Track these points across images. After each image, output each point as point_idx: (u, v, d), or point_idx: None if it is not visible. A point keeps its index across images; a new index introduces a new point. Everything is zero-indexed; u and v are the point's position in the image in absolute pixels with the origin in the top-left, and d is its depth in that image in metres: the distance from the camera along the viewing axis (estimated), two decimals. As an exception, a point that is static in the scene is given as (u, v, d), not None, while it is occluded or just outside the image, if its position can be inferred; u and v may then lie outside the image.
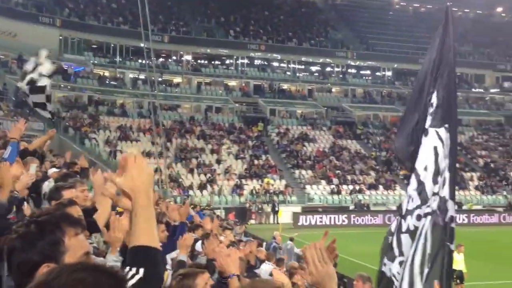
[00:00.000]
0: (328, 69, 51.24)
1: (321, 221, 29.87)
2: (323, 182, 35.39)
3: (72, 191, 4.14)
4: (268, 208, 31.30)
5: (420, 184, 3.77)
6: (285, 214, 29.52)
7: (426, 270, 3.52)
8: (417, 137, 3.99)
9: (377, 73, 52.41)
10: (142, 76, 42.02)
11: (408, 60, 51.86)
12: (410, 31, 54.95)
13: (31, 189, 4.88)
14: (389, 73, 52.27)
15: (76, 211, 2.95)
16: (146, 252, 1.61)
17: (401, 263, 3.71)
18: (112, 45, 44.08)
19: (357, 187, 35.16)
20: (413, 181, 3.85)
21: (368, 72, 52.63)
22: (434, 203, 3.68)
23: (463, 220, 30.92)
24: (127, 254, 1.67)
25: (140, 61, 42.83)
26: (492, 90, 53.69)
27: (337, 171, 36.61)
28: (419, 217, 3.71)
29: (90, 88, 40.08)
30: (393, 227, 3.92)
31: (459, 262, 14.88)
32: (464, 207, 33.83)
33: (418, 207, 3.74)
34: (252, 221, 29.75)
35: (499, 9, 57.91)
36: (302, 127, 42.02)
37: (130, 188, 1.64)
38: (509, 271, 18.16)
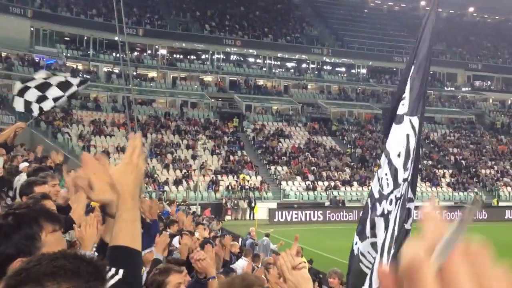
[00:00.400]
0: (304, 65, 51.42)
1: (296, 217, 30.03)
2: (299, 178, 35.53)
3: (45, 186, 4.04)
4: (244, 204, 31.28)
5: (394, 170, 3.86)
6: (261, 210, 29.54)
7: (392, 251, 3.59)
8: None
9: (352, 70, 52.87)
10: (116, 70, 41.39)
11: (383, 58, 52.57)
12: (385, 29, 55.62)
13: (2, 184, 4.71)
14: (363, 71, 52.79)
15: (49, 205, 2.85)
16: (126, 253, 1.53)
17: (373, 244, 3.85)
18: (86, 37, 43.26)
19: (332, 184, 35.42)
20: (385, 165, 3.93)
21: (343, 69, 53.06)
22: (403, 189, 3.79)
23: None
24: (107, 252, 1.57)
25: (114, 54, 42.16)
26: (463, 89, 54.80)
27: (313, 168, 36.81)
28: (391, 202, 3.83)
29: (62, 81, 39.20)
30: (365, 209, 4.05)
31: None
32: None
33: (392, 192, 3.84)
34: (228, 217, 29.68)
35: (471, 9, 59.09)
36: (278, 123, 42.09)
37: (121, 184, 1.55)
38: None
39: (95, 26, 42.05)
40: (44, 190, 3.84)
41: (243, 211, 31.22)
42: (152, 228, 5.72)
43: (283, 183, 34.64)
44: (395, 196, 3.83)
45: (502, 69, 55.57)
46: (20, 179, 4.89)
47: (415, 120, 3.91)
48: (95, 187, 1.52)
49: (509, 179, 41.18)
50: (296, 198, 33.63)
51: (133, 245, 1.54)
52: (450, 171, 40.63)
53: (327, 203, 33.25)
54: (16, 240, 1.60)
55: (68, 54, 42.14)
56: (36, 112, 7.19)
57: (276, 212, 30.13)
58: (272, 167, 36.21)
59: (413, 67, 4.03)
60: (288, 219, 29.81)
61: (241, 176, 33.54)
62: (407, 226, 3.76)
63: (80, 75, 41.50)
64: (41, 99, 7.06)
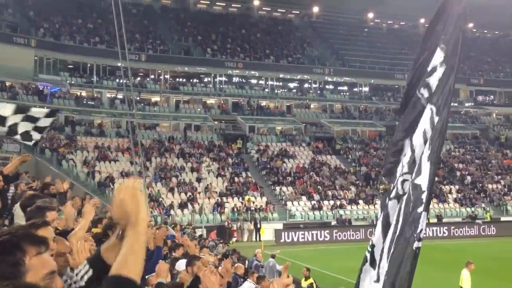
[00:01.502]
0: (306, 85, 51.70)
1: (303, 238, 29.79)
2: (304, 198, 35.36)
3: (54, 213, 3.99)
4: (250, 226, 31.09)
5: (413, 153, 3.68)
6: (267, 231, 29.38)
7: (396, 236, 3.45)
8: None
9: (354, 89, 53.08)
10: (120, 96, 41.72)
11: (384, 76, 52.82)
12: (385, 48, 56.00)
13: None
14: (366, 89, 52.98)
15: (48, 233, 2.83)
16: (125, 285, 1.55)
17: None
18: (89, 64, 43.76)
19: (338, 203, 35.21)
20: (408, 150, 3.74)
21: (345, 88, 53.29)
22: (406, 186, 3.60)
23: (444, 233, 31.19)
24: (104, 280, 1.59)
25: (117, 80, 42.55)
26: (467, 104, 54.82)
27: (318, 187, 36.65)
28: (403, 182, 3.67)
29: (66, 108, 39.54)
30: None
31: (465, 280, 14.71)
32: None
33: (405, 174, 3.67)
34: (234, 239, 29.48)
35: (471, 25, 59.48)
36: (282, 144, 42.10)
37: (121, 214, 1.60)
38: (489, 282, 18.29)
39: (98, 53, 42.59)
40: (53, 217, 3.79)
41: (250, 232, 31.02)
42: (154, 254, 5.71)
43: (289, 203, 34.47)
44: (404, 179, 3.64)
45: (504, 83, 55.66)
46: (17, 208, 4.85)
47: (429, 111, 3.65)
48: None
49: (517, 193, 40.80)
50: (302, 218, 33.41)
51: (133, 275, 1.56)
52: (457, 187, 40.35)
53: (333, 223, 32.99)
54: (1, 269, 1.61)
55: (72, 82, 42.59)
56: (36, 138, 7.21)
57: (282, 233, 29.92)
58: (277, 188, 36.09)
59: (439, 50, 3.74)
60: (295, 239, 29.58)
61: (246, 197, 33.41)
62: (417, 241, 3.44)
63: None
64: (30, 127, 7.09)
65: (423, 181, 3.50)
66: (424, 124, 3.67)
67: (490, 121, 52.97)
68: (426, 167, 3.52)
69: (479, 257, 24.53)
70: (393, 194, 3.71)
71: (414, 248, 3.39)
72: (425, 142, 3.60)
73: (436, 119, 3.62)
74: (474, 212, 36.45)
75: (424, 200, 3.47)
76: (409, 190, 3.55)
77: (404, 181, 3.64)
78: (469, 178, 41.90)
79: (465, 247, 28.15)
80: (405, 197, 3.58)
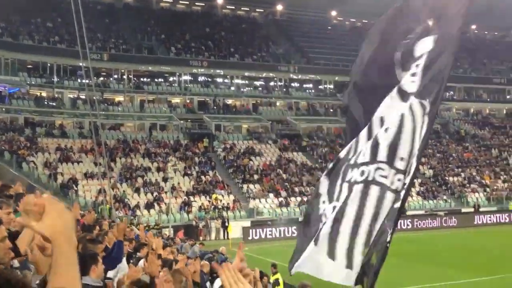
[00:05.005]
0: (272, 83, 51.89)
1: (271, 234, 29.92)
2: (271, 195, 35.50)
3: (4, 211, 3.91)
4: (218, 224, 31.01)
5: (375, 142, 3.46)
6: (235, 229, 29.36)
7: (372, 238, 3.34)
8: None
9: (320, 86, 53.60)
10: (82, 96, 40.86)
11: (348, 73, 53.22)
12: (349, 45, 56.69)
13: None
14: (330, 86, 53.58)
15: (1, 231, 2.76)
16: None
17: (334, 207, 3.57)
18: (49, 64, 42.66)
19: (305, 199, 35.49)
20: (364, 132, 3.55)
21: (311, 85, 53.74)
22: (395, 180, 3.40)
23: (408, 225, 31.89)
24: None
25: (79, 80, 41.66)
26: (427, 99, 56.07)
27: (285, 184, 36.87)
28: (362, 173, 3.49)
29: (26, 109, 38.46)
30: (335, 172, 3.72)
31: None
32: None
33: (366, 164, 3.49)
34: (201, 238, 29.34)
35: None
36: (248, 142, 42.14)
37: (50, 233, 1.55)
38: (451, 273, 18.81)
39: (58, 53, 41.56)
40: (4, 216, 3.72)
41: (217, 230, 30.94)
42: (114, 250, 5.62)
43: (256, 200, 34.55)
44: (369, 170, 3.45)
45: (462, 79, 57.21)
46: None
47: (418, 105, 3.34)
48: (44, 219, 1.53)
49: (476, 185, 42.16)
50: (269, 215, 33.54)
51: (70, 286, 1.54)
52: (420, 180, 41.32)
53: (301, 219, 33.18)
54: None
55: (32, 82, 41.44)
56: None
57: (250, 230, 29.97)
58: (245, 186, 36.11)
59: (432, 38, 3.50)
60: (263, 236, 29.69)
61: (214, 196, 33.31)
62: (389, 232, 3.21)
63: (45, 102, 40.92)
64: None
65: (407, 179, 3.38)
66: (392, 110, 3.49)
67: (450, 116, 54.46)
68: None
69: (442, 248, 25.28)
70: (348, 178, 3.57)
71: (387, 240, 3.22)
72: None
73: (417, 106, 3.39)
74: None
75: (401, 197, 3.34)
76: (373, 191, 3.44)
77: (362, 171, 3.49)
78: (431, 171, 43.00)
79: (428, 238, 28.92)
80: (355, 189, 3.48)
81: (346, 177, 3.63)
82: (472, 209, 37.46)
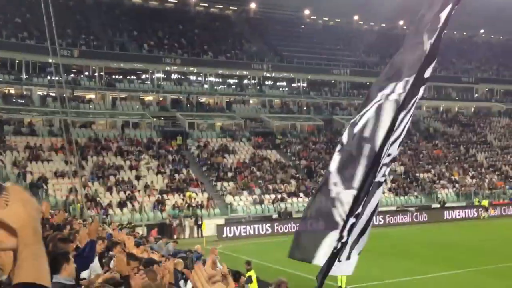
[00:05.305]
0: (245, 81, 51.88)
1: (245, 232, 29.97)
2: (245, 192, 35.52)
3: None
4: (191, 222, 30.87)
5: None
6: (209, 226, 29.30)
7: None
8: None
9: (293, 84, 53.88)
10: (52, 93, 40.02)
11: (321, 71, 54.02)
12: (321, 44, 57.20)
13: None
14: (304, 84, 53.91)
15: None
16: None
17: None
18: (17, 61, 41.65)
19: (279, 196, 35.67)
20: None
21: (284, 83, 53.98)
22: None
23: (380, 221, 32.38)
24: None
25: (49, 77, 40.79)
26: (398, 97, 56.94)
27: (259, 181, 36.94)
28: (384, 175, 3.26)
29: (-7, 107, 37.49)
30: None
31: None
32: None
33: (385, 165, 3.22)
34: (175, 236, 29.15)
35: (401, 22, 61.88)
36: (222, 139, 42.05)
37: (14, 222, 1.41)
38: (422, 267, 19.20)
39: (27, 49, 40.59)
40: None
41: (191, 229, 30.79)
42: (86, 249, 5.54)
43: (230, 198, 34.52)
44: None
45: (432, 77, 58.07)
46: None
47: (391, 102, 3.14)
48: (8, 207, 1.41)
49: (446, 181, 43.11)
50: (243, 212, 33.56)
51: (40, 280, 1.41)
52: (391, 176, 41.98)
53: (275, 216, 33.38)
54: None
55: (0, 79, 40.38)
56: None
57: (224, 228, 29.95)
58: (218, 183, 36.03)
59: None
60: (237, 234, 29.71)
61: (187, 194, 33.13)
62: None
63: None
64: None
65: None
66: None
67: (420, 114, 55.46)
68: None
69: (413, 243, 25.78)
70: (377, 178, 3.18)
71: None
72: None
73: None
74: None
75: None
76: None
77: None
78: (402, 168, 43.75)
79: (400, 233, 29.45)
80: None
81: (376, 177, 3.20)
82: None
